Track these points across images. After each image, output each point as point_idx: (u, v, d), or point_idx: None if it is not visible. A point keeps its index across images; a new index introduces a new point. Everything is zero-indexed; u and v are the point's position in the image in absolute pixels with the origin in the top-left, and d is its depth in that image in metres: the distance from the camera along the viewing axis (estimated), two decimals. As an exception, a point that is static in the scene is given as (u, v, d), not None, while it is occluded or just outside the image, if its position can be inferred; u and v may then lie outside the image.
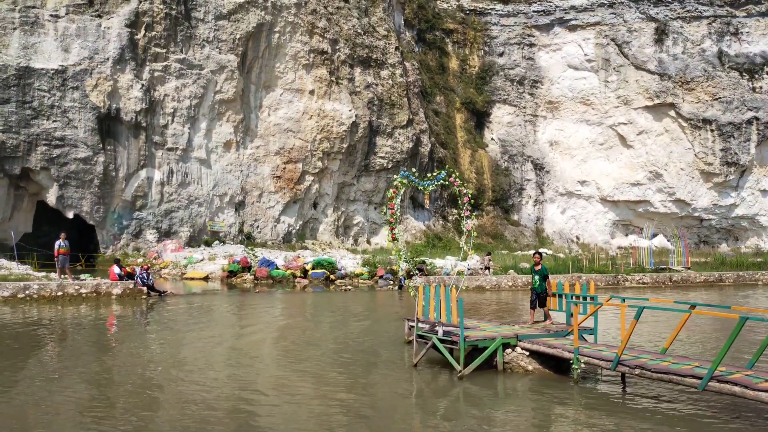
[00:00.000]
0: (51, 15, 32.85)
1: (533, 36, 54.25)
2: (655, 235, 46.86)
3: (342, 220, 43.10)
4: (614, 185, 52.57)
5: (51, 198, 32.83)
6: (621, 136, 52.71)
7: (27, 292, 19.83)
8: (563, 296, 12.90)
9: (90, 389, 9.72)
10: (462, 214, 14.05)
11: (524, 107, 53.67)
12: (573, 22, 53.30)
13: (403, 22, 50.63)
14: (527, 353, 11.02)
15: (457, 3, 54.31)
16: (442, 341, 11.19)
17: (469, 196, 14.50)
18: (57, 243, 21.74)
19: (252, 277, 29.12)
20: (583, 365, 10.17)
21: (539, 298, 12.76)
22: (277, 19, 39.47)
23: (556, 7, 53.65)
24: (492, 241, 46.15)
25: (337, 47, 42.00)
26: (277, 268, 29.77)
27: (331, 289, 26.80)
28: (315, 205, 42.26)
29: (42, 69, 32.05)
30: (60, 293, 20.18)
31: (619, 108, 52.32)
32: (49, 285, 20.29)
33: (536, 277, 12.73)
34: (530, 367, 10.90)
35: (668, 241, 45.50)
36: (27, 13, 32.32)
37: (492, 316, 17.87)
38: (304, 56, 40.58)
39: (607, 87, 52.59)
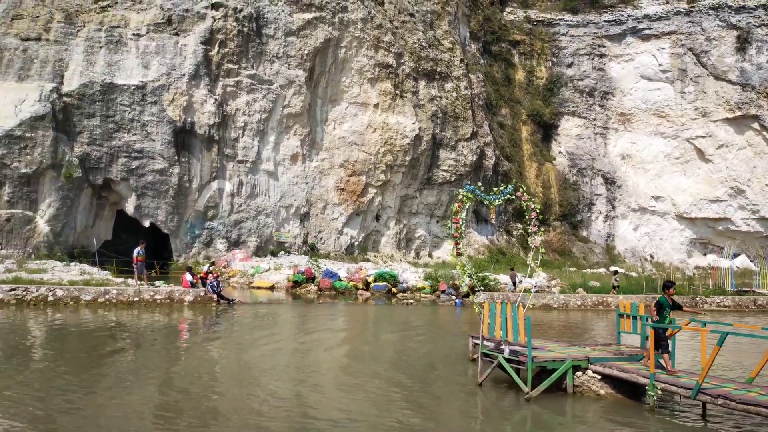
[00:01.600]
0: (133, 34, 34.81)
1: (604, 46, 52.67)
2: (736, 255, 44.11)
3: (404, 233, 43.07)
4: (691, 201, 49.92)
5: (129, 207, 34.58)
6: (699, 149, 50.11)
7: (107, 296, 20.85)
8: (638, 318, 12.32)
9: (159, 393, 10.05)
10: (529, 230, 13.71)
11: (594, 119, 52.05)
12: (647, 32, 51.35)
13: (468, 34, 50.35)
14: (599, 377, 10.52)
15: (524, 14, 53.53)
16: (508, 361, 10.87)
17: (537, 211, 14.12)
18: (136, 250, 22.85)
19: (316, 287, 29.47)
20: (659, 392, 9.61)
21: (666, 340, 10.55)
22: (344, 34, 40.19)
23: (629, 16, 51.91)
24: (559, 258, 44.81)
25: (402, 61, 42.26)
26: (340, 280, 30.02)
27: (393, 303, 26.73)
28: (377, 218, 42.47)
29: (124, 85, 33.93)
30: (136, 299, 21.09)
31: (697, 120, 49.79)
32: (127, 291, 21.26)
33: (669, 316, 10.76)
34: (602, 392, 10.41)
35: (751, 261, 42.74)
36: (112, 32, 34.39)
37: (561, 336, 17.26)
38: (369, 70, 41.07)
39: (684, 98, 50.22)
